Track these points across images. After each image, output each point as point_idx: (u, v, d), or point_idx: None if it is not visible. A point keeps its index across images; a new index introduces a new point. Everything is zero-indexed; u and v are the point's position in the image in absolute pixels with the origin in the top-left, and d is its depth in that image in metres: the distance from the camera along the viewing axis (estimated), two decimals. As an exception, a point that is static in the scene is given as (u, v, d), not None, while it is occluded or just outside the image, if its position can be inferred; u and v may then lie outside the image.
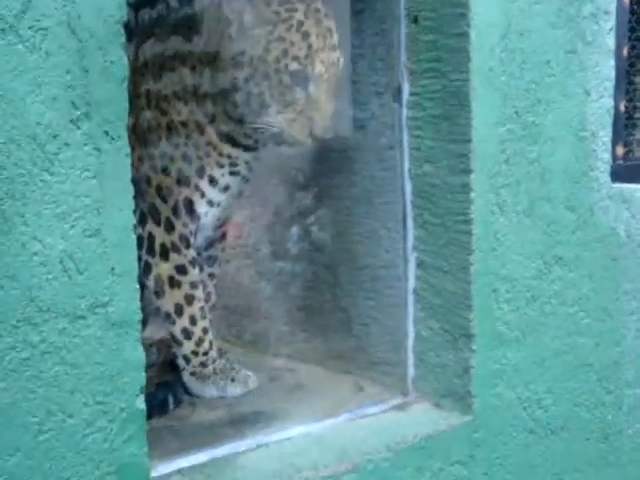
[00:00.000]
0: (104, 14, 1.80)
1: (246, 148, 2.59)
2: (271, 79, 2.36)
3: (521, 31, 2.51)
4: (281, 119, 2.38)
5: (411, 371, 2.69)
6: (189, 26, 2.56)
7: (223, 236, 2.90)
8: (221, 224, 2.81)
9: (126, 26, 1.84)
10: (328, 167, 2.83)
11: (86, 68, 1.79)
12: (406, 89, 2.57)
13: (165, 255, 2.61)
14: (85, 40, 1.79)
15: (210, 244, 2.85)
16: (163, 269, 2.62)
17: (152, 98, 2.58)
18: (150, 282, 2.64)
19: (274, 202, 2.89)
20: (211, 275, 2.91)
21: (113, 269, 1.87)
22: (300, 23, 2.34)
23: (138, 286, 1.90)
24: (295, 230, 2.76)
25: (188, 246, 2.62)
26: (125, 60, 1.84)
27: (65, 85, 1.77)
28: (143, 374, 1.93)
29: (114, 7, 1.81)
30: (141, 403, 1.93)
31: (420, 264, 2.62)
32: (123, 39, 1.83)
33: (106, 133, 1.83)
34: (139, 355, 1.92)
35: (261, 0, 2.39)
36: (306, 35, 2.34)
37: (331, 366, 2.95)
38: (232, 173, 2.63)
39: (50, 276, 1.79)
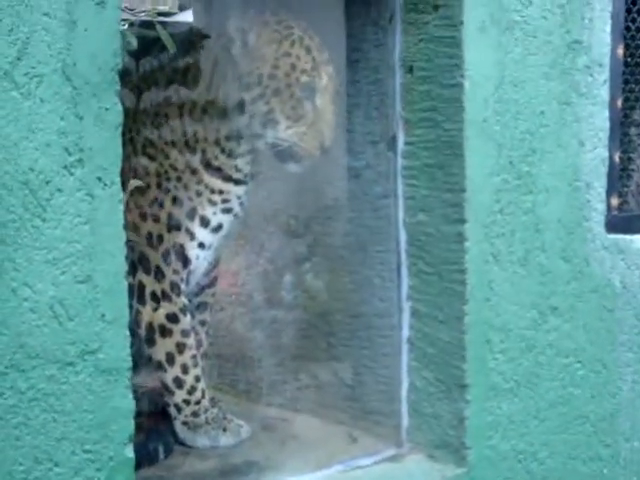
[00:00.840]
0: (99, 61, 1.82)
1: (237, 182, 2.59)
2: (282, 94, 2.41)
3: (515, 82, 2.52)
4: (292, 133, 2.42)
5: (405, 422, 2.66)
6: (187, 74, 2.58)
7: (214, 282, 2.88)
8: (212, 268, 2.80)
9: (125, 73, 1.86)
10: (323, 215, 2.83)
11: (80, 115, 1.80)
12: (401, 138, 2.58)
13: (156, 304, 2.59)
14: (80, 87, 1.80)
15: (201, 290, 2.83)
16: (154, 318, 2.59)
17: (138, 145, 2.59)
18: (141, 330, 2.62)
19: (268, 250, 2.88)
20: (202, 322, 2.89)
21: (103, 315, 1.85)
22: (301, 38, 2.42)
23: (128, 333, 1.89)
24: (289, 278, 2.75)
25: (179, 293, 2.60)
26: (119, 107, 1.85)
27: (59, 131, 1.78)
28: (132, 422, 1.91)
29: (109, 54, 1.83)
30: (130, 452, 1.91)
31: (414, 313, 2.60)
32: (118, 86, 1.84)
33: (99, 179, 1.83)
34: (128, 403, 1.90)
35: (258, 21, 2.43)
36: (309, 49, 2.42)
37: (325, 416, 2.92)
38: (224, 210, 2.61)
39: (40, 322, 1.78)
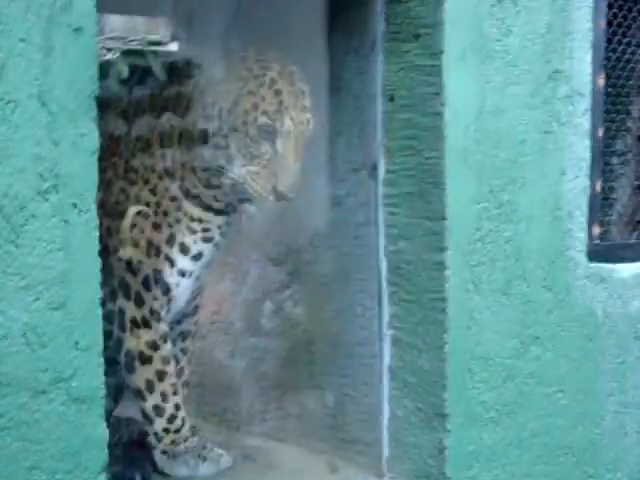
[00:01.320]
0: (76, 87, 1.81)
1: (218, 212, 2.57)
2: (239, 131, 2.37)
3: (496, 111, 2.53)
4: (245, 172, 2.38)
5: (386, 451, 2.64)
6: (173, 102, 2.58)
7: (196, 310, 2.86)
8: (194, 296, 2.78)
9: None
10: (305, 243, 2.82)
11: (56, 140, 1.79)
12: (382, 166, 2.58)
13: (136, 330, 2.57)
14: (56, 113, 1.79)
15: (183, 318, 2.80)
16: (134, 344, 2.57)
17: (120, 169, 2.58)
18: (121, 358, 2.60)
19: (249, 277, 2.87)
20: (183, 350, 2.86)
21: (77, 343, 1.84)
22: (272, 81, 2.37)
23: (102, 360, 1.87)
24: (269, 306, 2.73)
25: (159, 320, 2.58)
26: (96, 133, 1.84)
27: (34, 157, 1.77)
28: (106, 451, 1.89)
29: (86, 81, 1.82)
30: (103, 482, 1.88)
31: (395, 341, 2.59)
32: (94, 112, 1.84)
33: (74, 205, 1.82)
34: (102, 432, 1.88)
35: (238, 56, 2.42)
36: (278, 92, 2.37)
37: (306, 445, 2.89)
38: (205, 239, 2.59)
39: (12, 349, 1.76)
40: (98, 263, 1.86)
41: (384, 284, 2.60)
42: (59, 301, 1.81)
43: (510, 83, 2.56)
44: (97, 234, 1.85)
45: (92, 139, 1.84)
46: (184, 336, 2.83)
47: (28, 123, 1.76)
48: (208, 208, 2.55)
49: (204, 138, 2.44)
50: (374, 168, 2.60)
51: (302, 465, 2.76)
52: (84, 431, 1.85)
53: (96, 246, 1.85)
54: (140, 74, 3.12)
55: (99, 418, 1.87)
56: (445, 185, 2.43)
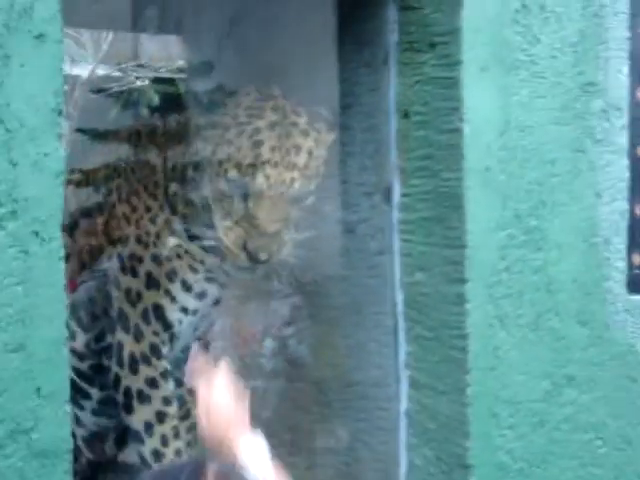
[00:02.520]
0: (37, 102, 1.62)
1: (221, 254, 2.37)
2: (215, 183, 2.18)
3: (522, 127, 2.30)
4: (220, 227, 2.18)
5: (404, 505, 2.40)
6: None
7: (205, 347, 2.66)
8: (202, 334, 2.59)
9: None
10: (311, 274, 2.62)
11: (14, 161, 1.60)
12: (397, 189, 2.37)
13: (134, 366, 2.39)
14: (14, 130, 1.60)
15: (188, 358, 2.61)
16: (132, 382, 2.39)
17: (123, 193, 2.42)
18: (119, 396, 2.41)
19: (247, 312, 2.66)
20: (191, 390, 2.66)
21: (39, 389, 1.63)
22: (256, 131, 2.17)
23: (69, 409, 1.66)
24: (270, 343, 2.52)
25: (160, 357, 2.40)
26: (61, 152, 1.65)
27: (-12, 180, 1.58)
28: (73, 513, 1.67)
29: (49, 94, 1.63)
30: None
31: (413, 383, 2.36)
32: (59, 129, 1.64)
33: (36, 234, 1.62)
34: (69, 490, 1.66)
35: (233, 101, 2.22)
36: (258, 144, 2.16)
37: (319, 495, 2.67)
38: (208, 279, 2.41)
39: (-38, 397, 1.56)
40: (64, 299, 1.65)
41: (400, 319, 2.38)
42: (17, 342, 1.61)
43: (537, 97, 2.33)
44: (62, 266, 1.65)
45: (56, 159, 1.64)
46: None
47: (-19, 142, 1.57)
48: (210, 249, 2.35)
49: (194, 185, 2.26)
50: (388, 191, 2.39)
51: (313, 518, 2.53)
52: (48, 490, 1.64)
53: (61, 280, 1.65)
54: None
55: (65, 474, 1.66)
56: (465, 209, 2.21)
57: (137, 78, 8.24)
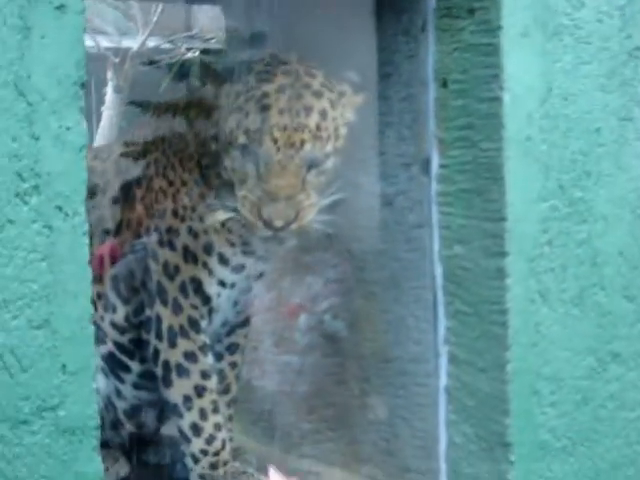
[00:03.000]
0: (58, 74, 1.59)
1: None
2: (229, 153, 2.14)
3: (565, 95, 2.21)
4: (238, 196, 2.14)
5: (443, 482, 2.35)
6: None
7: (247, 322, 2.63)
8: (244, 308, 2.55)
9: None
10: (355, 248, 2.57)
11: (36, 135, 1.58)
12: (435, 160, 2.30)
13: (173, 340, 2.37)
14: (35, 103, 1.58)
15: (231, 330, 2.58)
16: (170, 355, 2.37)
17: (160, 166, 2.40)
18: (158, 370, 2.40)
19: (281, 287, 2.61)
20: (232, 364, 2.63)
21: (64, 366, 1.61)
22: (264, 95, 2.10)
23: (95, 386, 1.64)
24: (305, 319, 2.48)
25: (199, 331, 2.37)
26: (83, 126, 1.62)
27: (10, 154, 1.56)
28: (102, 490, 1.66)
29: (70, 66, 1.60)
30: (99, 524, 1.65)
31: (452, 359, 2.30)
32: (81, 102, 1.61)
33: (59, 209, 1.60)
34: (96, 467, 1.65)
35: (247, 68, 2.18)
36: (265, 108, 2.09)
37: (358, 471, 2.63)
38: (245, 253, 2.37)
39: (-14, 374, 1.55)
40: (88, 275, 1.63)
41: (439, 293, 2.32)
42: (42, 318, 1.59)
43: (582, 63, 2.24)
44: (87, 241, 1.63)
45: (79, 133, 1.61)
46: (233, 349, 2.61)
47: (3, 115, 1.55)
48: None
49: (215, 158, 2.23)
50: (426, 162, 2.32)
51: (353, 494, 2.51)
52: (75, 467, 1.63)
53: (85, 255, 1.62)
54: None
55: (93, 452, 1.64)
56: (505, 181, 2.13)
57: (188, 49, 8.24)
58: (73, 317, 1.61)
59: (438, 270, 2.32)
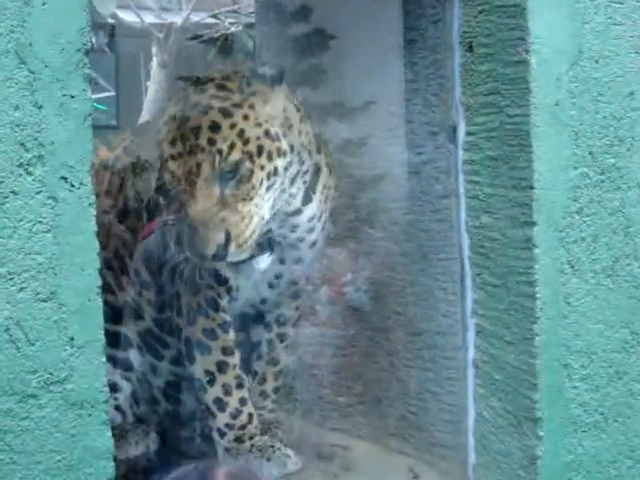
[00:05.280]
0: (61, 41, 1.55)
1: None
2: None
3: (596, 57, 2.12)
4: None
5: (472, 457, 2.30)
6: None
7: (296, 294, 2.55)
8: (294, 281, 2.48)
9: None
10: (381, 219, 2.50)
11: (39, 103, 1.55)
12: (462, 128, 2.23)
13: (192, 318, 2.34)
14: (38, 71, 1.54)
15: (281, 302, 2.52)
16: (191, 332, 2.35)
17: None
18: (181, 346, 2.38)
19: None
20: (281, 336, 2.57)
21: (72, 339, 1.59)
22: (157, 131, 2.06)
23: (104, 359, 1.61)
24: (327, 291, 2.42)
25: (217, 309, 2.34)
26: (88, 94, 1.58)
27: (13, 123, 1.53)
28: (112, 464, 1.64)
29: (73, 33, 1.56)
30: (110, 499, 1.63)
31: (480, 332, 2.24)
32: (85, 70, 1.57)
33: (64, 179, 1.57)
34: (106, 441, 1.63)
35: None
36: (158, 144, 2.05)
37: (387, 444, 2.59)
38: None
39: (-8, 347, 1.53)
40: (95, 247, 1.60)
41: (467, 265, 2.26)
42: (48, 291, 1.57)
43: (614, 23, 2.14)
44: (93, 212, 1.59)
45: (83, 101, 1.58)
46: (282, 322, 2.56)
47: (4, 84, 1.52)
48: None
49: None
50: (453, 130, 2.25)
51: (380, 468, 2.46)
52: (84, 441, 1.61)
53: (92, 227, 1.59)
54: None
55: (102, 425, 1.62)
56: (532, 148, 2.05)
57: (231, 24, 8.18)
58: (80, 289, 1.58)
59: (465, 241, 2.25)
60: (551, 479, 2.13)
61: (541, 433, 2.10)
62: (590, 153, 2.13)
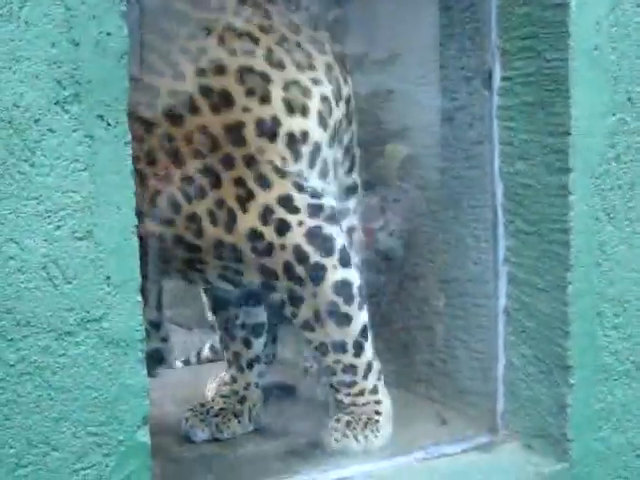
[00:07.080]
0: (98, -23, 1.53)
1: None
2: None
3: (637, 1, 2.07)
4: None
5: (500, 404, 2.30)
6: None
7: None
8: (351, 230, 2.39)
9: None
10: (414, 165, 2.48)
11: (76, 41, 1.53)
12: (497, 73, 2.19)
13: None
14: (74, 8, 1.52)
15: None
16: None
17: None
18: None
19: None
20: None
21: (109, 278, 1.59)
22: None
23: (140, 298, 1.62)
24: (358, 237, 2.40)
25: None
26: (125, 32, 1.56)
27: (50, 60, 1.51)
28: (147, 402, 1.64)
29: (110, -32, 1.53)
30: (143, 436, 1.64)
31: (512, 280, 2.22)
32: (123, 7, 1.55)
33: (100, 117, 1.56)
34: (141, 379, 1.63)
35: None
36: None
37: (415, 391, 2.60)
38: None
39: (30, 285, 1.53)
40: (131, 186, 1.59)
41: (499, 212, 2.23)
42: (85, 230, 1.56)
43: (657, -35, 2.09)
44: (129, 151, 1.58)
45: (120, 39, 1.56)
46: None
47: (41, 20, 1.50)
48: None
49: None
50: (488, 75, 2.22)
51: (409, 414, 2.46)
52: (120, 379, 1.61)
53: (128, 166, 1.58)
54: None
55: (138, 364, 1.63)
56: (570, 93, 2.02)
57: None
58: (116, 228, 1.58)
59: (499, 188, 2.23)
60: (580, 427, 2.13)
61: (572, 381, 2.10)
62: (629, 99, 2.10)
